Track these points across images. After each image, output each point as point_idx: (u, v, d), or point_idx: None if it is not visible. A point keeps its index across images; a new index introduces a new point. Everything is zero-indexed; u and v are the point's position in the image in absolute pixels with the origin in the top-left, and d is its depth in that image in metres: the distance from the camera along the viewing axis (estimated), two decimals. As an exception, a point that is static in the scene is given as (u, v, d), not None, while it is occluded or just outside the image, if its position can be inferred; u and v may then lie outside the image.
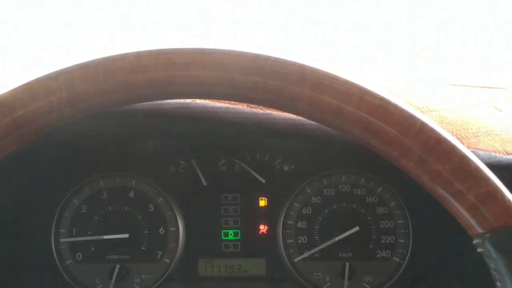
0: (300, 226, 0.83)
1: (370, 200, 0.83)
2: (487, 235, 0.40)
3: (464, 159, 0.41)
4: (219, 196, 0.84)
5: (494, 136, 0.65)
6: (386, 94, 0.42)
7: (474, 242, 0.42)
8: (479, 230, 0.41)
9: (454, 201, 0.41)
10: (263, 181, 0.83)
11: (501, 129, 0.66)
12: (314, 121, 0.44)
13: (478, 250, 0.42)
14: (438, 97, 0.72)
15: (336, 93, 0.41)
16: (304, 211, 0.83)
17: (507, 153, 0.64)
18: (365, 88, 0.42)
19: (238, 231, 0.84)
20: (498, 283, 0.41)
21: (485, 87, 0.82)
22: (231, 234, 0.84)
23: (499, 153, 0.63)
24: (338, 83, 0.41)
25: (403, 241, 0.82)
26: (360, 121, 0.42)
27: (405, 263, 0.81)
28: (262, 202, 0.84)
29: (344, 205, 0.83)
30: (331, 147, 0.79)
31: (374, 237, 0.82)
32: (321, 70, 0.41)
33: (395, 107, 0.42)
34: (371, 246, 0.82)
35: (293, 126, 0.62)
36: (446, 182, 0.41)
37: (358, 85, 0.41)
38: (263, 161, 0.84)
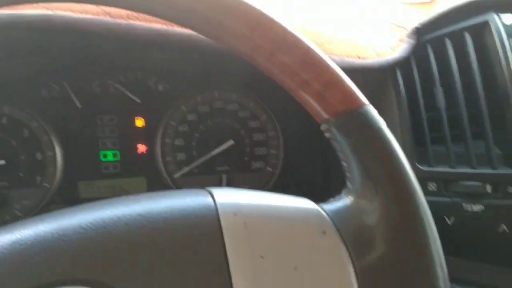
0: (178, 143, 0.86)
1: (243, 114, 0.87)
2: (332, 119, 0.45)
3: (308, 51, 0.45)
4: (95, 118, 0.85)
5: (347, 42, 0.70)
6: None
7: (322, 128, 0.46)
8: (325, 116, 0.45)
9: (302, 91, 0.45)
10: (138, 101, 0.85)
11: (353, 35, 0.71)
12: (170, 21, 0.46)
13: (326, 135, 0.46)
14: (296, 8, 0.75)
15: None
16: (180, 128, 0.86)
17: (359, 58, 0.69)
18: None
19: (117, 152, 0.85)
20: (344, 163, 0.45)
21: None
22: (109, 156, 0.85)
23: (352, 57, 0.69)
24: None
25: (275, 152, 0.87)
26: (212, 20, 0.45)
27: (277, 172, 0.87)
28: (139, 122, 0.86)
29: (219, 120, 0.87)
30: (203, 65, 0.81)
31: (248, 149, 0.87)
32: None
33: (244, 4, 0.45)
34: (246, 159, 0.87)
35: (156, 36, 0.63)
36: (293, 73, 0.45)
37: None
38: (137, 81, 0.85)
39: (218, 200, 0.42)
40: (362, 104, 0.44)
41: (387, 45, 0.72)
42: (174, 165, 0.86)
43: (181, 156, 0.86)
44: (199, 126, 0.86)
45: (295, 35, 0.45)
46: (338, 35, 0.71)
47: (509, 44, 0.67)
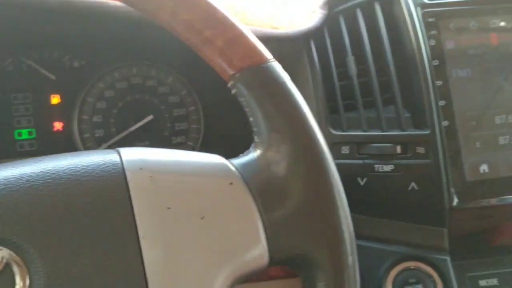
0: (96, 120, 0.85)
1: (162, 90, 0.87)
2: (237, 75, 0.46)
3: (212, 8, 0.45)
4: (9, 97, 0.82)
5: (261, 12, 0.71)
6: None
7: (229, 85, 0.47)
8: (230, 72, 0.46)
9: (206, 48, 0.46)
10: (53, 78, 0.83)
11: (268, 5, 0.72)
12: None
13: (232, 91, 0.47)
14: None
15: None
16: (98, 105, 0.85)
17: (273, 27, 0.70)
18: None
19: (32, 129, 0.83)
20: (251, 118, 0.46)
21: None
22: (24, 134, 0.83)
23: (266, 27, 0.70)
24: None
25: (195, 126, 0.87)
26: None
27: (198, 146, 0.87)
28: (55, 100, 0.84)
29: (138, 96, 0.86)
30: (119, 38, 0.80)
31: (169, 124, 0.87)
32: None
33: None
34: (166, 134, 0.87)
35: (65, 5, 0.62)
36: (197, 31, 0.45)
37: None
38: (52, 58, 0.83)
39: (124, 157, 0.42)
40: (266, 60, 0.45)
41: (301, 16, 0.74)
42: (92, 142, 0.84)
43: (99, 132, 0.84)
44: (117, 102, 0.85)
45: None
46: (252, 6, 0.71)
47: (416, 13, 0.70)
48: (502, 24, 0.70)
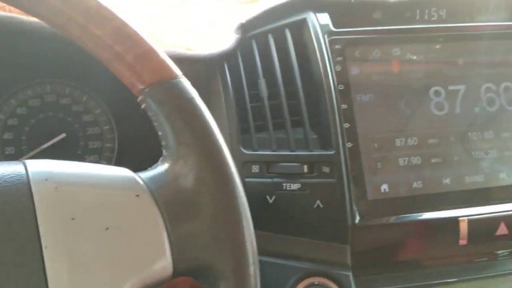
0: (6, 137, 0.83)
1: (76, 108, 0.86)
2: (146, 90, 0.47)
3: (123, 24, 0.47)
4: None
5: (177, 34, 0.73)
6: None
7: (138, 100, 0.48)
8: (140, 87, 0.47)
9: (116, 63, 0.47)
10: (-38, 93, 0.81)
11: (184, 28, 0.74)
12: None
13: (142, 106, 0.48)
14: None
15: None
16: (9, 122, 0.83)
17: (188, 49, 0.72)
18: None
19: None
20: (160, 133, 0.48)
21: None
22: None
23: (181, 48, 0.72)
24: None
25: (109, 145, 0.87)
26: None
27: (111, 165, 0.87)
28: (-37, 116, 0.82)
29: (51, 114, 0.85)
30: (33, 57, 0.80)
31: (82, 143, 0.86)
32: None
33: None
34: (79, 152, 0.86)
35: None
36: (107, 45, 0.46)
37: None
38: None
39: (30, 168, 0.43)
40: (175, 76, 0.47)
41: (216, 39, 0.76)
42: (2, 159, 0.82)
43: (9, 150, 0.83)
44: (29, 119, 0.84)
45: (108, 9, 0.46)
46: (170, 28, 0.73)
47: (324, 40, 0.74)
48: (403, 53, 0.75)
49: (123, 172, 0.46)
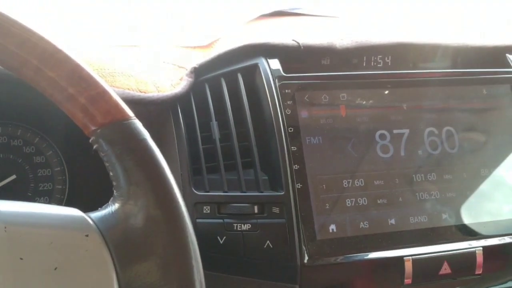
0: (-45, 178, 0.82)
1: (27, 150, 0.86)
2: (98, 131, 0.48)
3: (77, 67, 0.48)
4: None
5: (129, 76, 0.74)
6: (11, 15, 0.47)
7: (91, 140, 0.49)
8: (92, 128, 0.48)
9: (69, 104, 0.48)
10: None
11: (136, 71, 0.76)
12: None
13: (94, 147, 0.49)
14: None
15: None
16: (-41, 163, 0.82)
17: (140, 91, 0.74)
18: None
19: None
20: (111, 173, 0.48)
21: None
22: None
23: (133, 90, 0.73)
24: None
25: (60, 186, 0.87)
26: None
27: (63, 205, 0.87)
28: None
29: (1, 156, 0.84)
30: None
31: (32, 185, 0.86)
32: None
33: (15, 23, 0.47)
34: (30, 194, 0.85)
35: None
36: (61, 87, 0.47)
37: None
38: None
39: None
40: (127, 117, 0.48)
41: (168, 82, 0.78)
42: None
43: (-43, 190, 0.82)
44: (-22, 160, 0.83)
45: (63, 52, 0.47)
46: (121, 70, 0.74)
47: (274, 85, 0.76)
48: (350, 98, 0.78)
49: (73, 212, 0.47)
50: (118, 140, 0.47)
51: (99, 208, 0.48)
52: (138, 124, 0.49)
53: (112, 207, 0.47)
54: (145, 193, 0.46)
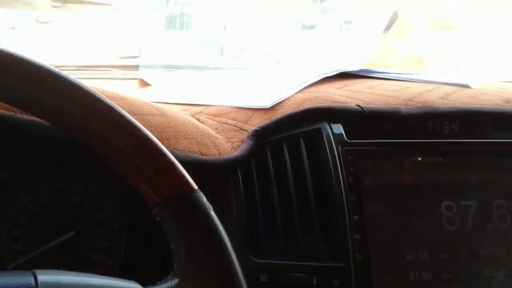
0: (15, 233, 0.82)
1: (87, 206, 0.86)
2: (162, 203, 0.47)
3: (143, 138, 0.48)
4: None
5: (191, 139, 0.74)
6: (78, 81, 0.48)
7: (154, 212, 0.49)
8: (156, 200, 0.48)
9: (135, 175, 0.48)
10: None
11: (198, 133, 0.76)
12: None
13: (156, 219, 0.49)
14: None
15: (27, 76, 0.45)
16: (19, 218, 0.83)
17: (202, 154, 0.73)
18: (57, 73, 0.46)
19: None
20: (172, 246, 0.48)
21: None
22: None
23: (195, 153, 0.73)
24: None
25: (117, 244, 0.86)
26: (52, 105, 0.46)
27: (117, 264, 0.86)
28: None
29: (61, 211, 0.85)
30: (45, 153, 0.81)
31: (90, 242, 0.85)
32: None
33: (84, 91, 0.47)
34: (87, 251, 0.85)
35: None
36: (128, 158, 0.47)
37: (49, 68, 0.46)
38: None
39: (40, 279, 0.42)
40: (191, 190, 0.48)
41: (229, 144, 0.77)
42: (9, 255, 0.82)
43: (17, 246, 0.82)
44: (39, 216, 0.84)
45: (132, 123, 0.48)
46: (183, 133, 0.74)
47: (337, 151, 0.75)
48: (414, 166, 0.76)
49: (131, 285, 0.46)
50: (181, 214, 0.47)
51: (158, 282, 0.47)
52: (202, 197, 0.48)
53: (171, 282, 0.46)
54: (206, 272, 0.45)
